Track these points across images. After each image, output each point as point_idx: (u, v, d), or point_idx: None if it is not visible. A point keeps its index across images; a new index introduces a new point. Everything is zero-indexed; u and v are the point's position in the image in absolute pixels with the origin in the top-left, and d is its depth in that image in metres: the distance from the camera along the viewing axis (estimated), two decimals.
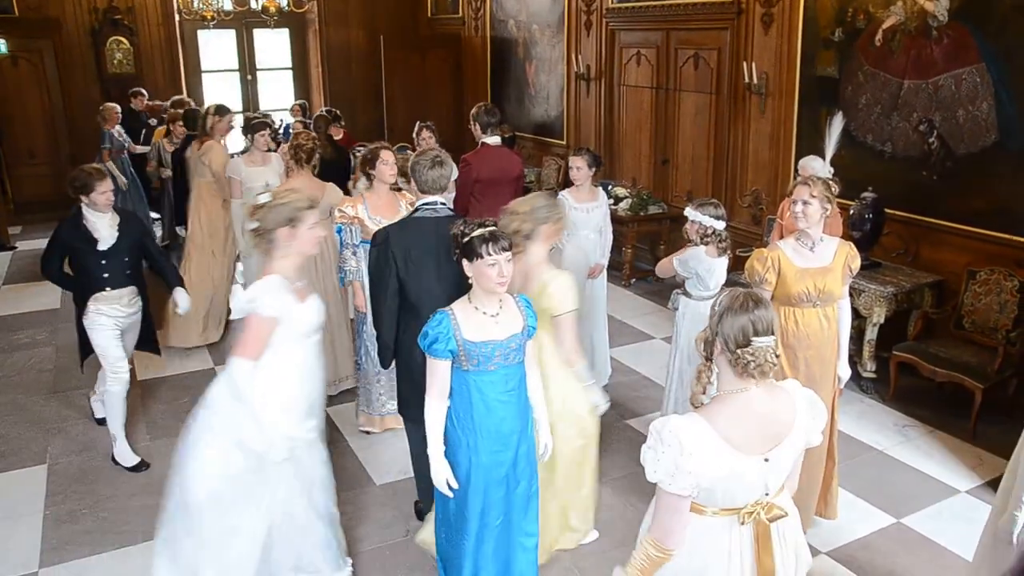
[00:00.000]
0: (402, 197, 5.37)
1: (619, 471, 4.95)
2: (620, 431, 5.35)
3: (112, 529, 4.45)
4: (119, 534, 4.41)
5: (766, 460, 2.35)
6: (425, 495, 4.28)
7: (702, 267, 4.62)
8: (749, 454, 2.32)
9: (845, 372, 4.27)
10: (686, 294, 4.76)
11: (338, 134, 8.74)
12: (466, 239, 3.17)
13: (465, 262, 3.20)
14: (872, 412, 5.67)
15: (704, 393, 2.45)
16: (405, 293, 3.88)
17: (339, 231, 5.16)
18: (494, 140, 6.15)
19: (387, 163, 5.19)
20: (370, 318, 5.19)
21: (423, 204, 4.02)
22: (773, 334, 2.33)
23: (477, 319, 3.22)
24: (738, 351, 2.31)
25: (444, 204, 4.06)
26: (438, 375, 3.26)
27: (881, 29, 6.12)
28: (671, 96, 8.55)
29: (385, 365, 4.17)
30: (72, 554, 4.25)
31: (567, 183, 6.01)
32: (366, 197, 5.19)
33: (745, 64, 7.29)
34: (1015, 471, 3.06)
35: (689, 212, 4.63)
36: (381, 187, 5.19)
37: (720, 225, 4.58)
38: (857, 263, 4.16)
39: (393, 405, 5.33)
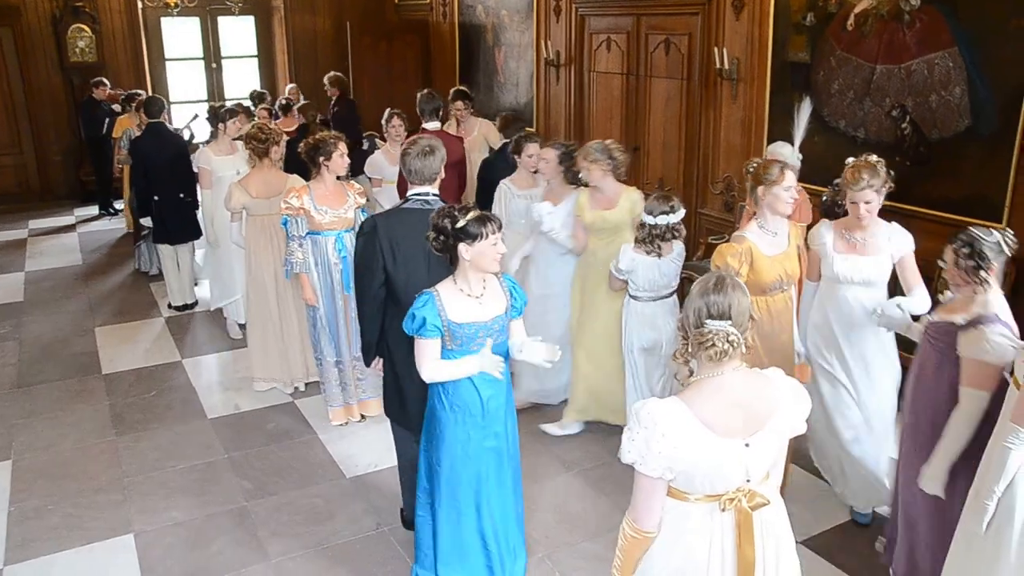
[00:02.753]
0: (350, 187, 5.28)
1: (591, 461, 4.93)
2: (592, 422, 5.30)
3: (79, 525, 4.37)
4: (86, 530, 4.33)
5: (746, 445, 2.34)
6: (409, 500, 4.18)
7: (625, 261, 4.63)
8: (728, 437, 2.32)
9: (802, 346, 4.33)
10: (628, 292, 4.82)
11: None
12: (460, 224, 3.22)
13: (463, 246, 3.23)
14: None
15: (688, 368, 2.47)
16: (391, 286, 3.80)
17: (285, 223, 5.06)
18: (433, 125, 6.45)
19: (344, 155, 5.09)
20: (322, 310, 5.15)
21: (414, 195, 3.91)
22: (730, 319, 2.33)
23: (462, 300, 3.30)
24: (695, 332, 2.36)
25: (436, 196, 3.95)
26: (428, 351, 3.32)
27: (853, 13, 6.10)
28: (642, 82, 8.51)
29: (368, 362, 4.07)
30: (38, 551, 4.17)
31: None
32: (312, 188, 5.10)
33: (716, 50, 7.25)
34: (987, 461, 3.05)
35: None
36: (328, 177, 5.09)
37: (650, 220, 4.58)
38: (803, 239, 4.26)
39: (353, 393, 5.33)
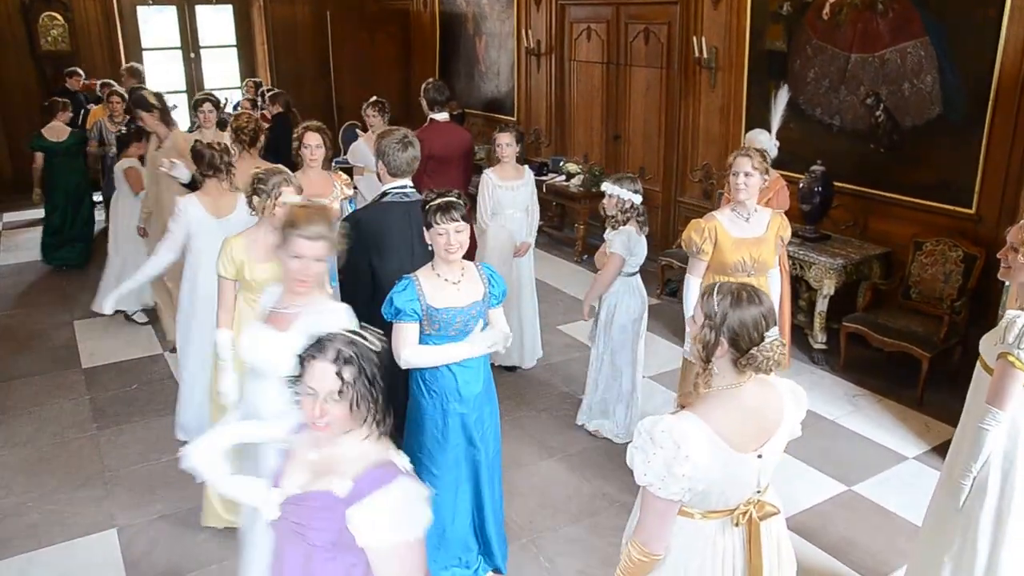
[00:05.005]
0: (336, 177, 5.25)
1: (573, 447, 4.98)
2: (574, 407, 5.35)
3: (60, 521, 4.34)
4: (67, 526, 4.30)
5: (759, 456, 2.26)
6: None
7: (625, 244, 4.65)
8: (744, 451, 2.22)
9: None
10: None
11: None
12: (426, 207, 3.31)
13: (424, 229, 3.34)
14: (823, 383, 5.75)
15: (704, 388, 2.30)
16: (378, 281, 3.79)
17: None
18: (442, 116, 6.27)
19: (309, 146, 5.05)
20: None
21: (392, 188, 3.91)
22: (777, 324, 2.24)
23: (440, 285, 3.35)
24: (752, 350, 2.19)
25: (413, 188, 3.96)
26: (407, 336, 3.35)
27: (828, 3, 6.15)
28: (622, 71, 8.53)
29: None
30: (17, 548, 4.14)
31: (520, 160, 5.97)
32: (299, 177, 5.06)
33: (695, 38, 7.29)
34: (960, 441, 3.13)
35: (607, 186, 4.68)
36: (313, 167, 5.07)
37: (638, 199, 4.62)
38: (788, 232, 4.33)
39: None
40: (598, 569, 3.89)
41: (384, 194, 3.94)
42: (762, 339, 2.18)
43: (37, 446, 5.10)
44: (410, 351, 3.37)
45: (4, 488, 4.65)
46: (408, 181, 3.93)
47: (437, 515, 3.55)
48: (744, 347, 2.19)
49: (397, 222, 3.81)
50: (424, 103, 6.28)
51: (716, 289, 2.27)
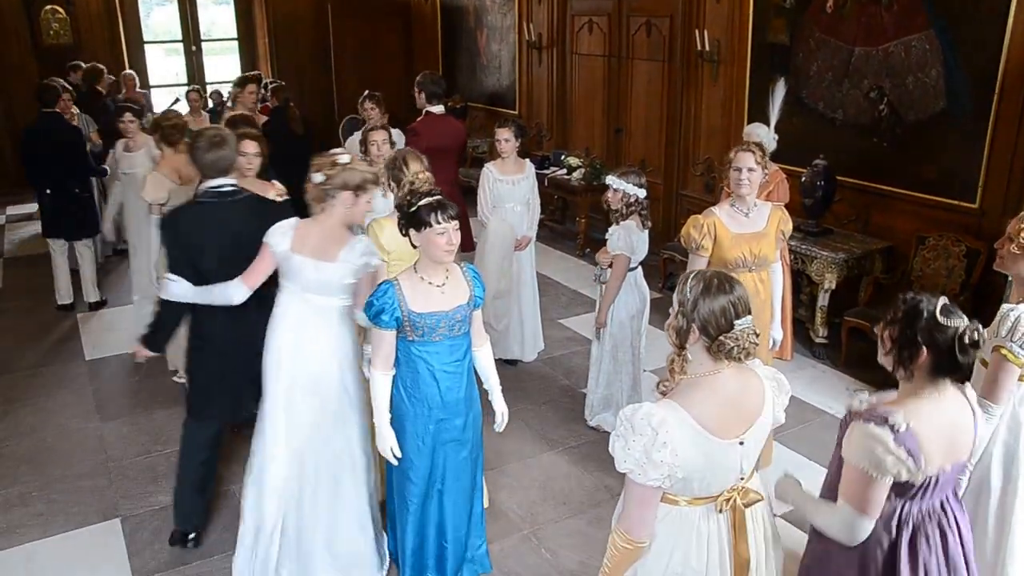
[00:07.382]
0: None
1: (575, 439, 4.99)
2: (577, 400, 5.37)
3: (63, 511, 4.37)
4: (70, 516, 4.33)
5: (741, 443, 2.27)
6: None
7: (634, 238, 4.65)
8: (725, 438, 2.23)
9: (779, 333, 4.41)
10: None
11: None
12: (413, 208, 3.16)
13: (412, 232, 3.20)
14: (824, 377, 5.76)
15: (680, 375, 2.32)
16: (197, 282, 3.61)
17: None
18: (438, 109, 6.25)
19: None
20: None
21: (209, 188, 3.69)
22: (750, 313, 2.25)
23: (423, 289, 3.23)
24: (720, 337, 2.21)
25: (234, 186, 3.74)
26: (383, 345, 3.29)
27: None
28: (624, 64, 8.53)
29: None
30: (23, 537, 4.17)
31: (521, 153, 5.96)
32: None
33: (697, 31, 7.28)
34: None
35: (611, 180, 4.66)
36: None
37: (642, 193, 4.61)
38: (789, 227, 4.31)
39: None
40: (599, 561, 3.87)
41: (199, 194, 3.78)
42: (731, 326, 2.21)
43: (41, 437, 5.12)
44: (378, 372, 3.30)
45: (9, 478, 4.68)
46: (225, 180, 3.71)
47: (416, 522, 3.52)
48: (713, 334, 2.22)
49: (210, 223, 3.64)
50: (423, 95, 6.20)
51: (692, 276, 2.31)
